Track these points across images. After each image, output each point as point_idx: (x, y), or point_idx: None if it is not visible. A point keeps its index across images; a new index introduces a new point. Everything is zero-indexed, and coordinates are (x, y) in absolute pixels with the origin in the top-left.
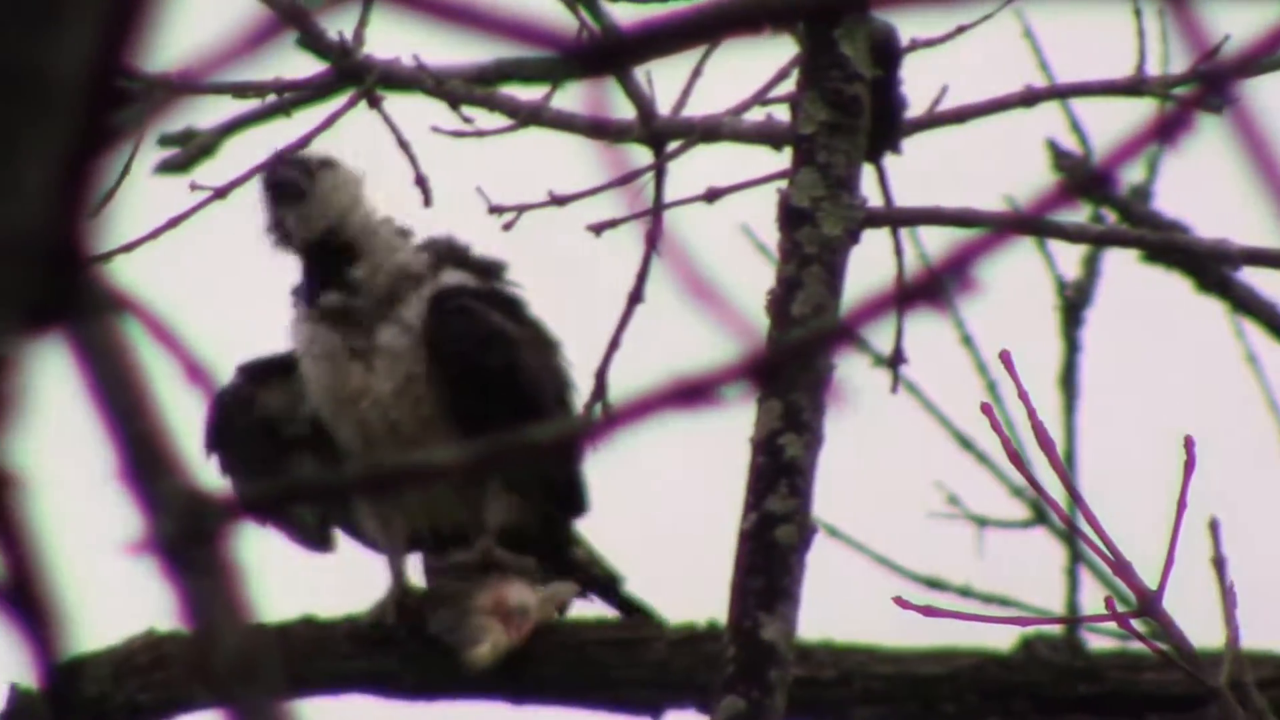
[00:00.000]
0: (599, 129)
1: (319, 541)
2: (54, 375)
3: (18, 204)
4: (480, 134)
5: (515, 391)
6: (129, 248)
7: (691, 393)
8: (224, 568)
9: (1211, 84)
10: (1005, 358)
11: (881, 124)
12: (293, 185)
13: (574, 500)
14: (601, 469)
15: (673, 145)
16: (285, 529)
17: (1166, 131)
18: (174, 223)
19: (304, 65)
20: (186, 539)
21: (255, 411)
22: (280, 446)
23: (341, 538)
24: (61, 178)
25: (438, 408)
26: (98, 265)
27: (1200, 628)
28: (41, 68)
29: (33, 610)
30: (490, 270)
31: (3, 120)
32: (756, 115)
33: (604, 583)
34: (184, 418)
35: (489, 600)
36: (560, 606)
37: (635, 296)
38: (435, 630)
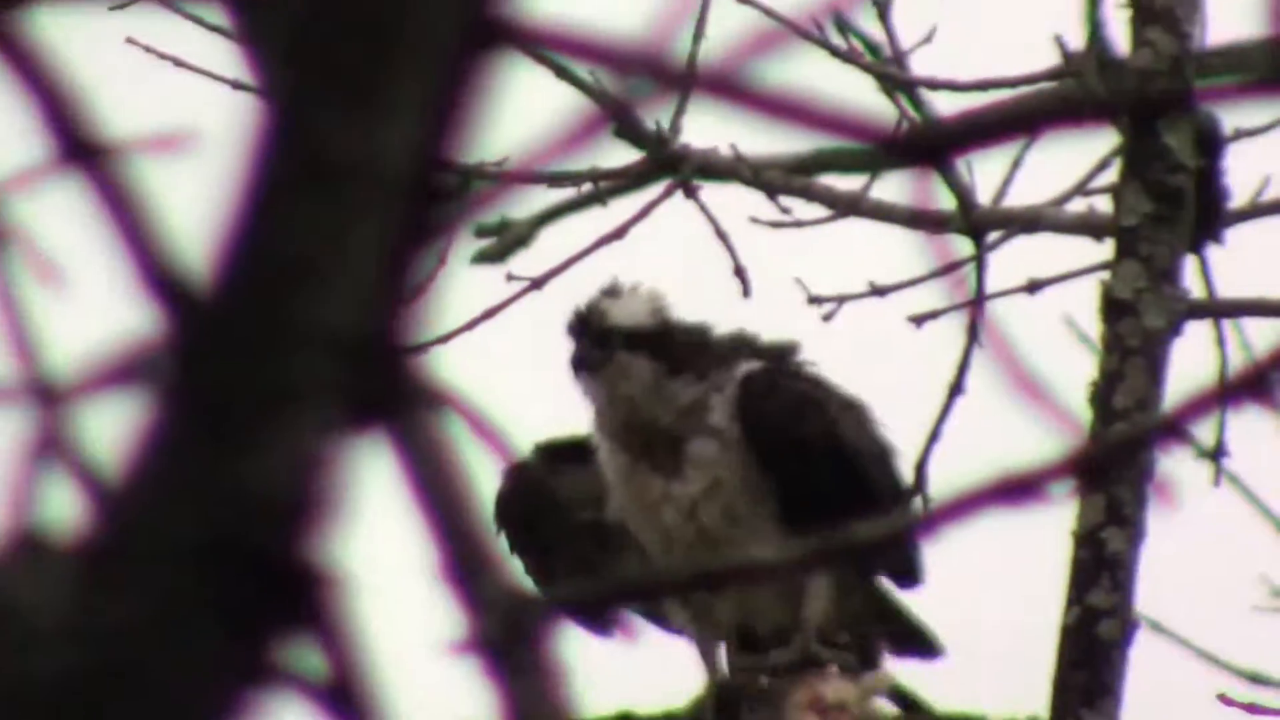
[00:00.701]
0: (918, 219)
1: (602, 627)
2: (376, 472)
3: (336, 296)
4: (799, 224)
5: (838, 459)
6: (447, 339)
7: (1016, 488)
8: (544, 666)
9: None
10: None
11: (1204, 214)
12: (591, 364)
13: (910, 573)
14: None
15: (993, 236)
16: (574, 615)
17: None
18: (491, 313)
19: (620, 155)
20: (508, 638)
21: (547, 492)
22: (569, 530)
23: (642, 626)
24: (381, 270)
25: (755, 502)
26: (417, 358)
27: None
28: (371, 161)
29: (354, 711)
30: (784, 352)
31: (323, 211)
32: (1078, 206)
33: (925, 640)
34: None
35: (806, 696)
36: (878, 693)
37: (956, 388)
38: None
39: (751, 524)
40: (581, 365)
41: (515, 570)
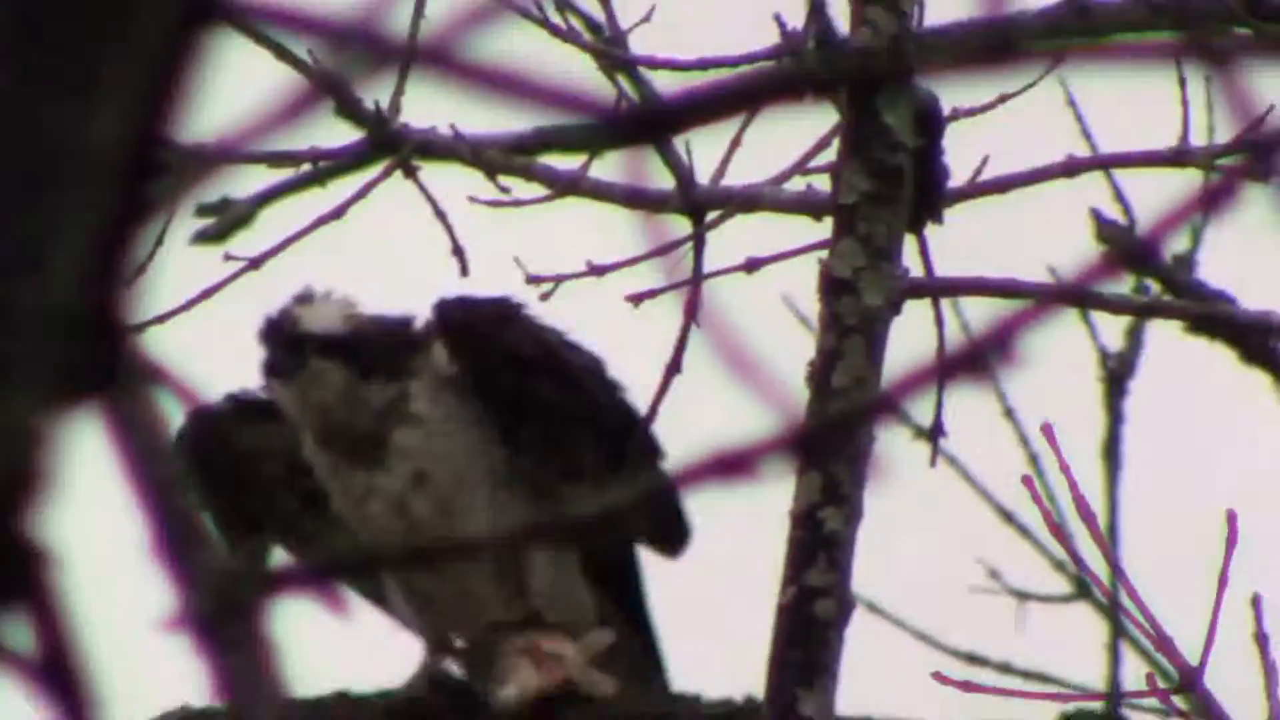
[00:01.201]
0: (637, 199)
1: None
2: (89, 449)
3: (52, 276)
4: (518, 204)
5: (555, 372)
6: (164, 319)
7: (731, 465)
8: (258, 642)
9: (1257, 154)
10: (1047, 430)
11: (923, 194)
12: (282, 371)
13: (671, 537)
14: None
15: (712, 215)
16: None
17: (1211, 202)
18: (209, 293)
19: (340, 134)
20: (221, 614)
21: (232, 438)
22: (262, 484)
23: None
24: (97, 249)
25: (476, 478)
26: (133, 337)
27: (1242, 706)
28: (79, 138)
29: (66, 687)
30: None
31: (39, 192)
32: (797, 185)
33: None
34: None
35: (522, 644)
36: (597, 654)
37: (673, 367)
38: (468, 680)
39: (470, 510)
40: (273, 372)
41: (208, 520)
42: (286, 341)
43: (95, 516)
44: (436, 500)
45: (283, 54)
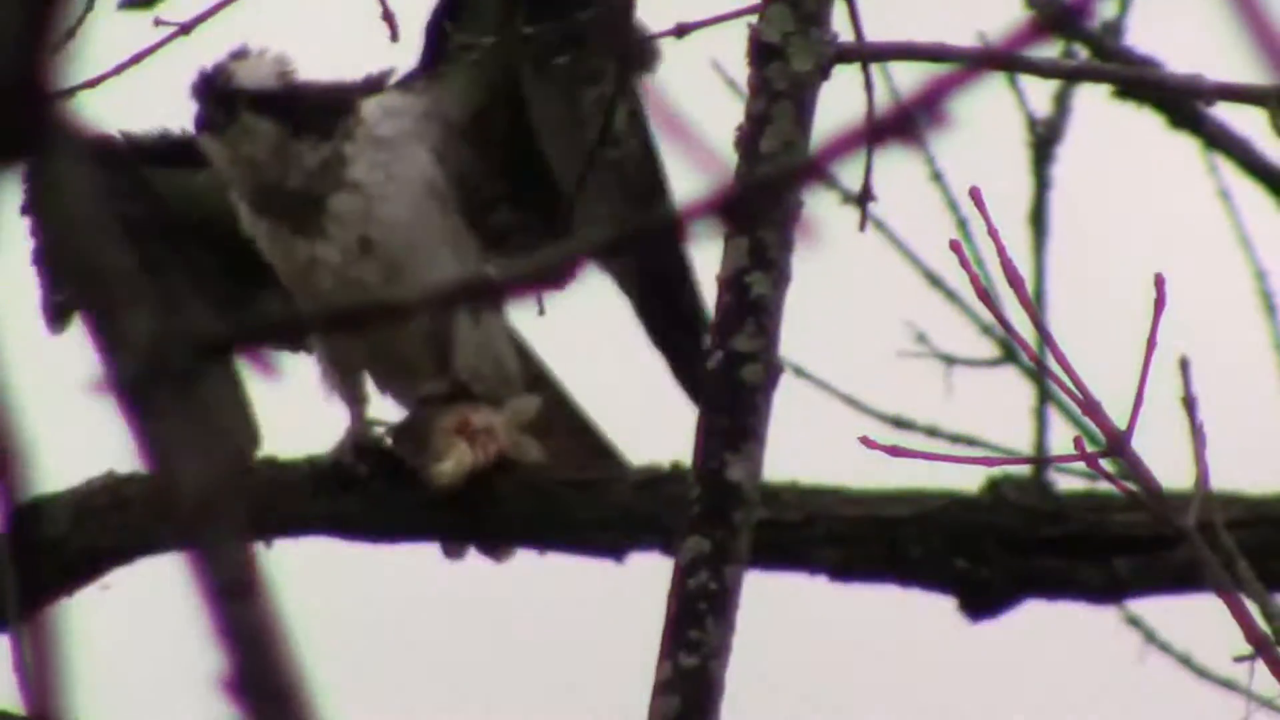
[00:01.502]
0: None
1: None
2: (15, 211)
3: None
4: None
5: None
6: (93, 84)
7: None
8: (185, 408)
9: None
10: (975, 194)
11: None
12: (213, 125)
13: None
14: (560, 309)
15: None
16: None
17: None
18: (138, 59)
19: None
20: (147, 379)
21: (137, 178)
22: (179, 232)
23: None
24: (26, 12)
25: (433, 220)
26: (62, 101)
27: (1170, 469)
28: None
29: None
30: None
31: None
32: None
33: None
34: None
35: (453, 421)
36: (525, 419)
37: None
38: (399, 454)
39: (421, 277)
40: (204, 126)
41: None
42: (218, 96)
43: (23, 280)
44: (385, 268)
45: None
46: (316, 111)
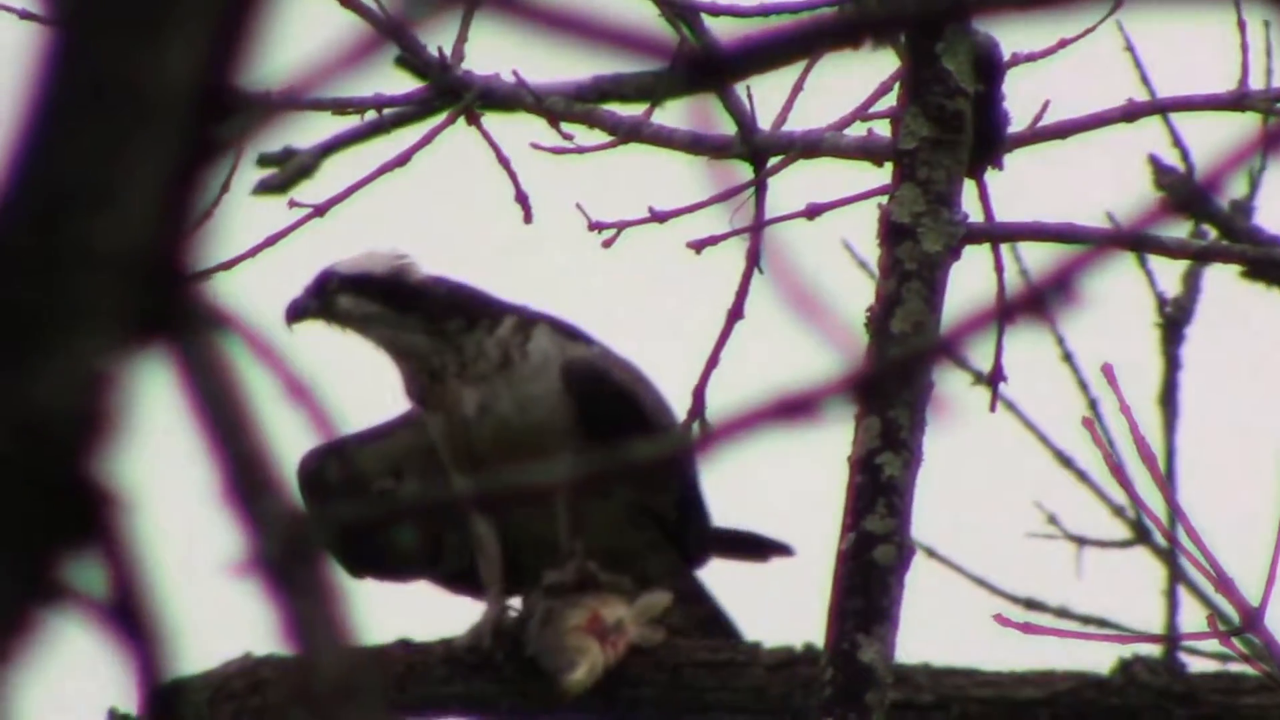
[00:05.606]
0: (699, 145)
1: (423, 564)
2: (157, 392)
3: (120, 217)
4: (580, 151)
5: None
6: (230, 264)
7: (791, 408)
8: (324, 589)
9: None
10: (1107, 371)
11: (983, 139)
12: (302, 311)
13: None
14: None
15: (773, 161)
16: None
17: (1269, 146)
18: (273, 240)
19: (404, 82)
20: (288, 560)
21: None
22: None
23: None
24: (165, 192)
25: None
26: (199, 281)
27: None
28: (146, 80)
29: (136, 630)
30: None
31: (107, 132)
32: (857, 131)
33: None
34: (285, 436)
35: (583, 618)
36: (656, 617)
37: (735, 313)
38: (532, 652)
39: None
40: (293, 313)
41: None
42: (316, 285)
43: (164, 460)
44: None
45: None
46: (435, 301)
